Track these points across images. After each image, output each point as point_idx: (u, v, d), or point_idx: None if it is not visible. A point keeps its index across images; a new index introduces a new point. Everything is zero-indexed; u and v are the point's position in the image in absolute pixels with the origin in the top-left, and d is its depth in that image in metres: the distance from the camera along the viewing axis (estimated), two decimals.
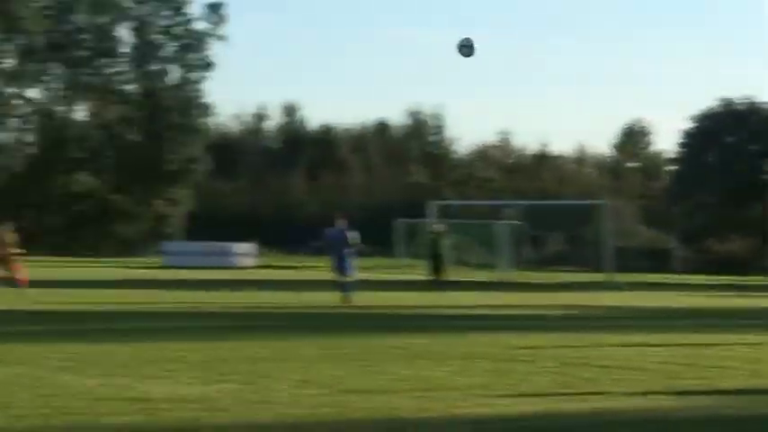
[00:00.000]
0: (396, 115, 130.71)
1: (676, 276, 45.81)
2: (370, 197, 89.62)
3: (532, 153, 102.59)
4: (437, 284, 35.05)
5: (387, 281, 41.51)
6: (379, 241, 63.77)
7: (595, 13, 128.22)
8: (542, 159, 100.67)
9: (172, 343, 13.99)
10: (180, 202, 78.68)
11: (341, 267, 24.96)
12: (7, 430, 7.61)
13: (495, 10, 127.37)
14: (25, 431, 7.62)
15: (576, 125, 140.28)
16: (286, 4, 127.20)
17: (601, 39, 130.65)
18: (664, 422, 8.81)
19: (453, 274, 37.84)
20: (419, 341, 15.16)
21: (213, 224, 76.31)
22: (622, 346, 14.97)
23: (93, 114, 79.79)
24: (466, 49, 19.16)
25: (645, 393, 10.20)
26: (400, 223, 59.96)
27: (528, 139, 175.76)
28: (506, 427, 8.43)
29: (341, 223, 25.44)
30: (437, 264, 36.22)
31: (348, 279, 24.97)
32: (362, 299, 25.29)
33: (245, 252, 56.67)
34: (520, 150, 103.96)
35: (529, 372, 11.70)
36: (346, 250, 24.90)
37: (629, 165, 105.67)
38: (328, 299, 24.59)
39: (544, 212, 74.29)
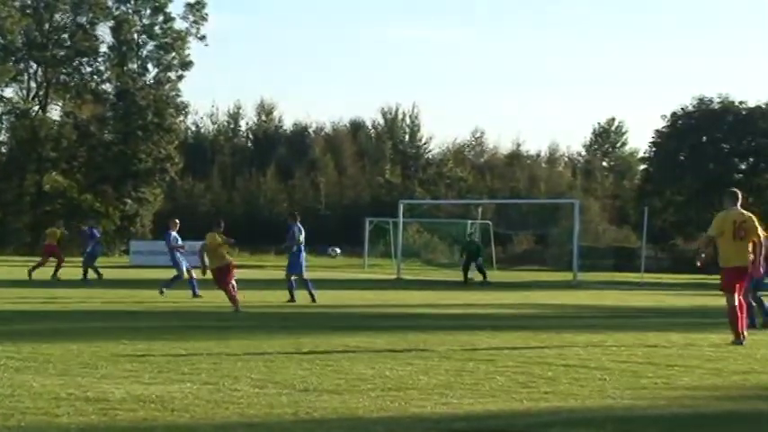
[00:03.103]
0: (370, 115, 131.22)
1: (644, 275, 45.95)
2: (342, 196, 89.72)
3: (505, 152, 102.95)
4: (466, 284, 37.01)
5: (355, 279, 41.60)
6: (349, 240, 63.83)
7: (571, 13, 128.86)
8: (515, 159, 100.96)
9: (135, 342, 13.93)
10: (151, 202, 78.31)
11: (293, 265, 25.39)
12: None
13: (469, 9, 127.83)
14: None
15: (550, 125, 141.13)
16: (259, 5, 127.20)
17: (578, 39, 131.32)
18: (623, 420, 8.84)
19: (421, 273, 38.07)
20: (382, 340, 15.18)
21: (183, 223, 76.02)
22: (584, 345, 15.02)
23: (67, 113, 79.30)
24: None
25: (605, 392, 10.27)
26: (370, 222, 59.90)
27: (501, 139, 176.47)
28: (466, 427, 8.43)
29: (292, 223, 25.83)
30: (468, 265, 39.84)
31: (297, 277, 25.20)
32: (331, 297, 25.32)
33: None
34: (493, 150, 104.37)
35: (490, 371, 11.70)
36: (295, 249, 25.31)
37: (602, 164, 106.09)
38: (298, 298, 24.69)
39: (513, 211, 74.59)
